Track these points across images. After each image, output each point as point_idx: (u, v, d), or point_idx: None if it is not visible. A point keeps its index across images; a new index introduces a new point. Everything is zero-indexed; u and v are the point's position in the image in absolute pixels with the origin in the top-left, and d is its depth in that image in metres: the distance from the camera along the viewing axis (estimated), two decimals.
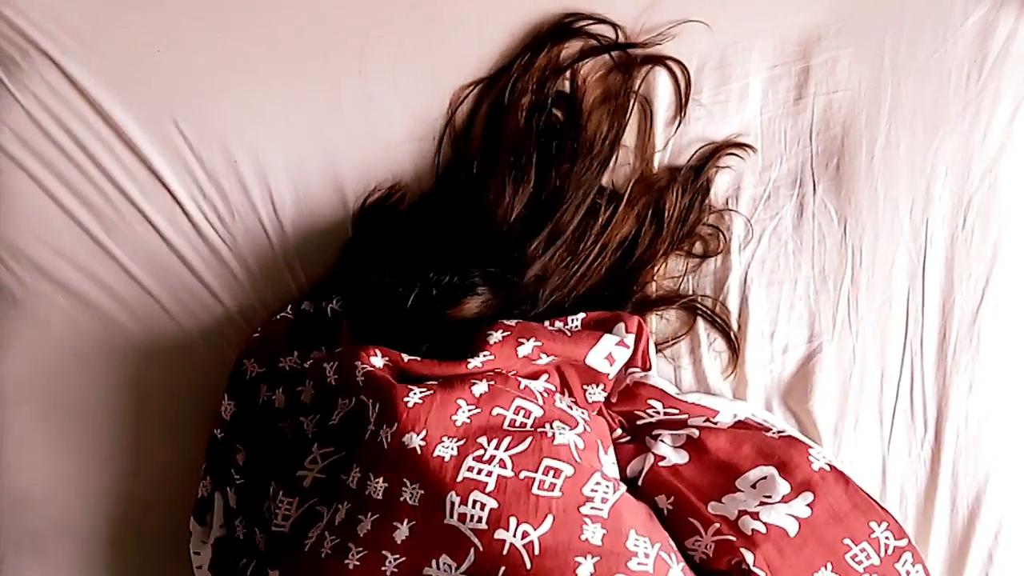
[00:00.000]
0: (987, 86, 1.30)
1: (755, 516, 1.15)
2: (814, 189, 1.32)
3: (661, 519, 1.18)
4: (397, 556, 1.03)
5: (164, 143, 1.31)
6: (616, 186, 1.32)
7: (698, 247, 1.33)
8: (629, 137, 1.33)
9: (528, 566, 1.00)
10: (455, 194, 1.30)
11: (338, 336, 1.24)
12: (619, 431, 1.26)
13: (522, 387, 1.13)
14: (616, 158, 1.31)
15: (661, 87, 1.33)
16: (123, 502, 1.33)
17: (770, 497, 1.17)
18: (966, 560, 1.27)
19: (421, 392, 1.08)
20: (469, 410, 1.08)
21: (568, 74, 1.31)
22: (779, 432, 1.25)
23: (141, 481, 1.33)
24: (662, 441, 1.24)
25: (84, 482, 1.32)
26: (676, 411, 1.24)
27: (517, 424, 1.09)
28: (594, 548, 1.02)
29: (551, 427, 1.09)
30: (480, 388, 1.10)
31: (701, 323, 1.32)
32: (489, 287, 1.20)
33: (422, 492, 1.04)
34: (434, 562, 1.02)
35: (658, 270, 1.31)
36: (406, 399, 1.07)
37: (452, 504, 1.02)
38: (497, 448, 1.06)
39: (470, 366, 1.12)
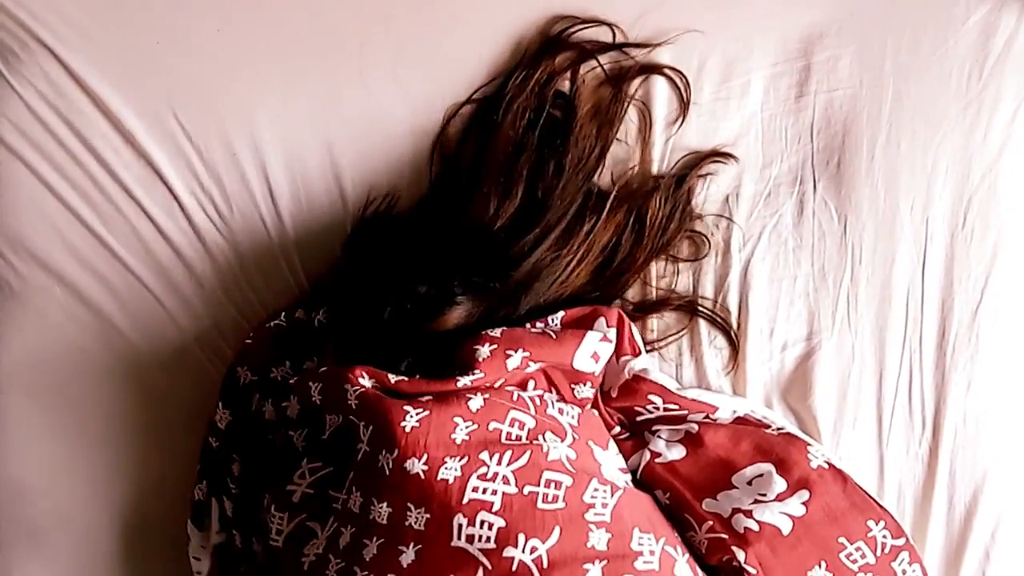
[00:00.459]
0: (988, 86, 1.30)
1: (748, 514, 1.16)
2: (814, 187, 1.32)
3: (663, 510, 1.18)
4: None
5: (163, 135, 1.31)
6: (610, 187, 1.32)
7: (688, 251, 1.33)
8: (630, 138, 1.33)
9: None
10: (443, 205, 1.30)
11: (326, 349, 1.24)
12: (617, 428, 1.26)
13: (515, 398, 1.13)
14: (602, 169, 1.31)
15: (660, 88, 1.33)
16: (122, 493, 1.33)
17: (765, 495, 1.18)
18: (963, 558, 1.27)
19: (418, 413, 1.07)
20: (467, 426, 1.08)
21: (569, 74, 1.31)
22: (778, 429, 1.25)
23: (140, 472, 1.33)
24: (659, 437, 1.24)
25: (83, 473, 1.32)
26: (676, 407, 1.24)
27: (513, 437, 1.09)
28: (600, 553, 1.03)
29: (544, 440, 1.09)
30: (476, 403, 1.10)
31: (702, 321, 1.32)
32: (470, 296, 1.19)
33: (428, 516, 1.03)
34: None
35: (638, 278, 1.31)
36: (403, 423, 1.06)
37: (459, 526, 1.02)
38: (499, 464, 1.06)
39: (460, 384, 1.11)
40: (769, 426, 1.26)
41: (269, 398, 1.23)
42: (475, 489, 1.04)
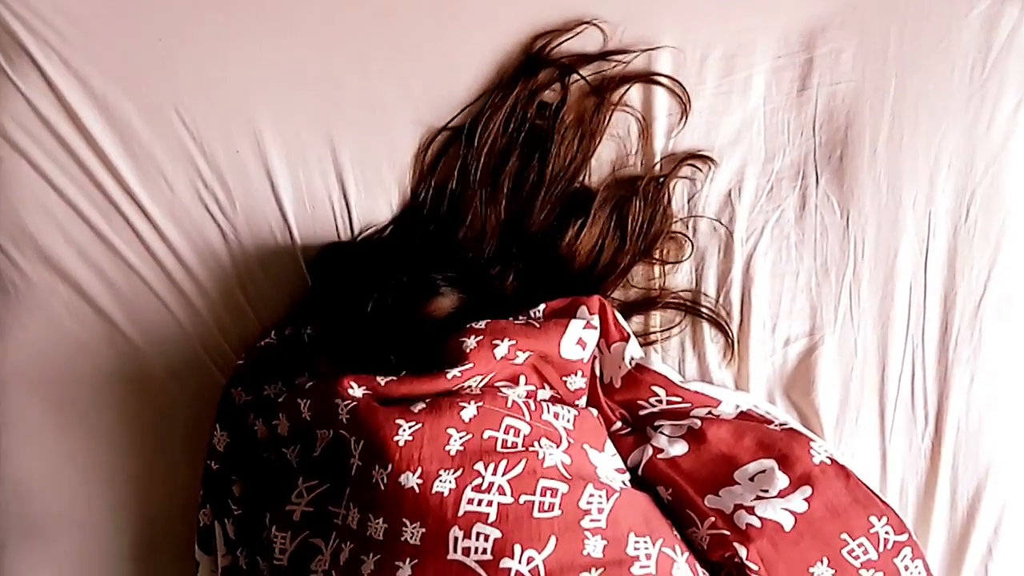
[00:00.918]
0: (991, 78, 1.29)
1: (750, 511, 1.16)
2: (817, 181, 1.31)
3: (664, 506, 1.18)
4: None
5: (165, 132, 1.32)
6: (598, 187, 1.33)
7: (673, 253, 1.33)
8: (632, 138, 1.33)
9: None
10: (424, 217, 1.32)
11: (316, 364, 1.25)
12: (619, 424, 1.26)
13: (509, 404, 1.13)
14: (586, 176, 1.33)
15: (660, 88, 1.33)
16: (126, 491, 1.33)
17: (767, 491, 1.17)
18: (966, 553, 1.27)
19: (410, 427, 1.07)
20: (461, 437, 1.08)
21: (557, 85, 1.33)
22: (781, 424, 1.25)
23: (143, 470, 1.33)
24: (662, 432, 1.24)
25: (86, 471, 1.33)
26: (679, 399, 1.24)
27: (509, 444, 1.09)
28: (597, 561, 1.03)
29: (539, 446, 1.09)
30: (469, 412, 1.10)
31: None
32: (453, 288, 1.21)
33: (423, 531, 1.03)
34: None
35: (622, 281, 1.32)
36: (396, 438, 1.07)
37: (455, 539, 1.02)
38: (494, 474, 1.06)
39: (449, 376, 1.12)
40: (772, 421, 1.26)
41: (261, 417, 1.24)
42: (470, 501, 1.04)
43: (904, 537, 1.18)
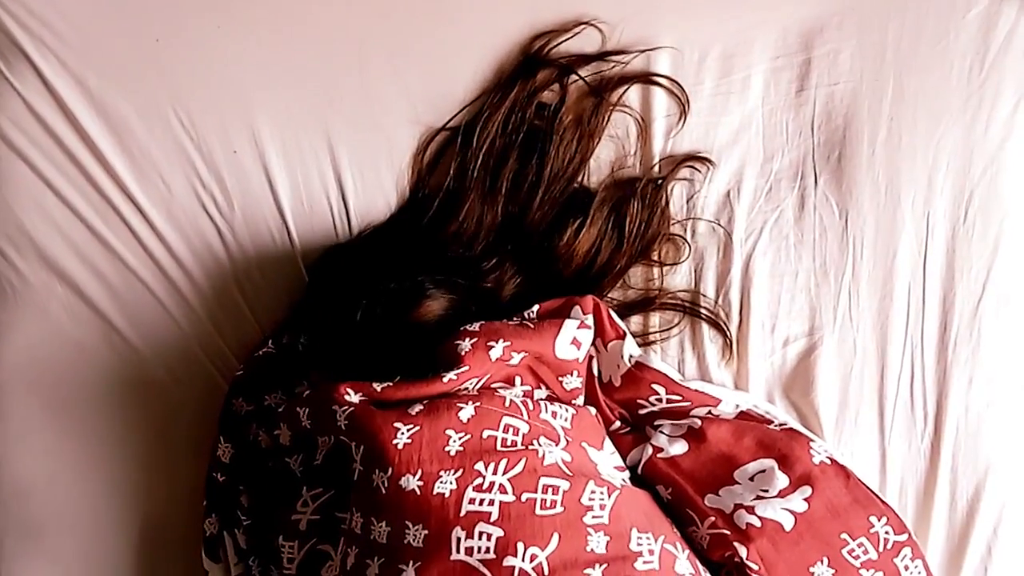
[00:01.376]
0: (989, 79, 1.29)
1: (751, 510, 1.15)
2: (815, 181, 1.32)
3: (664, 506, 1.18)
4: None
5: (163, 133, 1.31)
6: (597, 188, 1.33)
7: (671, 254, 1.33)
8: (631, 138, 1.33)
9: None
10: (419, 217, 1.32)
11: (311, 374, 1.25)
12: (617, 423, 1.26)
13: (507, 403, 1.12)
14: (585, 176, 1.33)
15: (659, 89, 1.33)
16: (124, 491, 1.33)
17: (767, 491, 1.17)
18: (965, 553, 1.27)
19: (409, 429, 1.07)
20: (460, 437, 1.08)
21: (556, 86, 1.33)
22: (780, 424, 1.25)
23: (143, 470, 1.33)
24: (661, 432, 1.24)
25: (85, 471, 1.32)
26: (679, 397, 1.24)
27: (508, 443, 1.09)
28: (600, 557, 1.03)
29: (539, 444, 1.09)
30: (467, 412, 1.10)
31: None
32: (443, 290, 1.20)
33: (426, 532, 1.03)
34: None
35: (618, 282, 1.32)
36: (395, 441, 1.07)
37: (458, 539, 1.02)
38: (495, 473, 1.06)
39: (445, 379, 1.11)
40: (771, 421, 1.26)
41: (263, 427, 1.23)
42: (472, 501, 1.04)
43: (904, 537, 1.18)
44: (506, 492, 1.05)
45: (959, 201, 1.30)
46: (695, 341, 1.32)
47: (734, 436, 1.23)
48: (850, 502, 1.18)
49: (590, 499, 1.06)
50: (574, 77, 1.32)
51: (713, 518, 1.16)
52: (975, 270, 1.29)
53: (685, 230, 1.33)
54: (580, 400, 1.23)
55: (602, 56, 1.33)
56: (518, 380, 1.18)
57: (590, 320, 1.23)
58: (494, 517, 1.03)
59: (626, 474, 1.19)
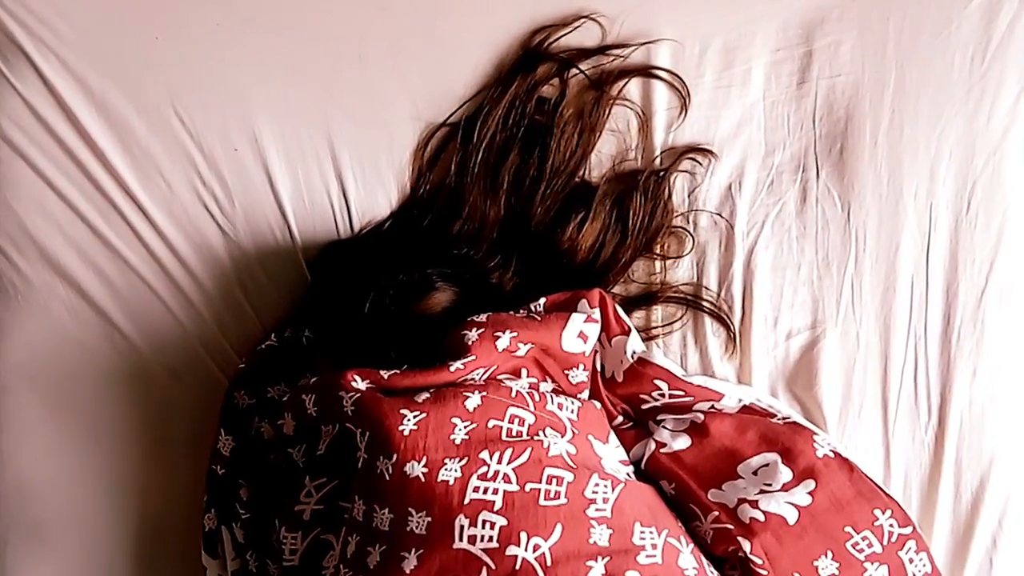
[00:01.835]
0: (991, 69, 1.29)
1: (754, 504, 1.15)
2: (817, 174, 1.31)
3: (667, 501, 1.18)
4: None
5: (163, 131, 1.31)
6: (599, 182, 1.33)
7: (675, 247, 1.33)
8: (632, 132, 1.33)
9: None
10: (422, 213, 1.32)
11: (317, 365, 1.25)
12: (620, 418, 1.26)
13: (513, 394, 1.13)
14: (586, 171, 1.33)
15: (660, 83, 1.33)
16: (126, 490, 1.33)
17: (770, 485, 1.17)
18: (970, 545, 1.27)
19: (415, 416, 1.07)
20: (466, 426, 1.08)
21: (556, 80, 1.33)
22: (784, 418, 1.25)
23: (144, 469, 1.33)
24: (664, 427, 1.24)
25: (87, 470, 1.33)
26: (682, 393, 1.24)
27: (514, 433, 1.09)
28: (603, 549, 1.02)
29: (544, 435, 1.09)
30: (473, 401, 1.10)
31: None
32: (449, 283, 1.20)
33: (429, 520, 1.03)
34: None
35: (623, 277, 1.32)
36: (400, 427, 1.07)
37: (461, 527, 1.02)
38: (500, 462, 1.06)
39: (452, 368, 1.12)
40: (775, 415, 1.26)
41: (266, 418, 1.23)
42: (476, 489, 1.04)
43: (908, 530, 1.17)
44: (510, 482, 1.05)
45: (962, 192, 1.29)
46: (698, 335, 1.32)
47: (737, 430, 1.23)
48: (854, 495, 1.18)
49: (594, 492, 1.06)
50: (574, 71, 1.32)
51: (717, 513, 1.16)
52: (978, 261, 1.29)
53: (688, 222, 1.33)
54: (585, 394, 1.23)
55: (602, 50, 1.32)
56: (524, 372, 1.18)
57: (597, 314, 1.23)
58: (498, 506, 1.03)
59: (630, 468, 1.19)
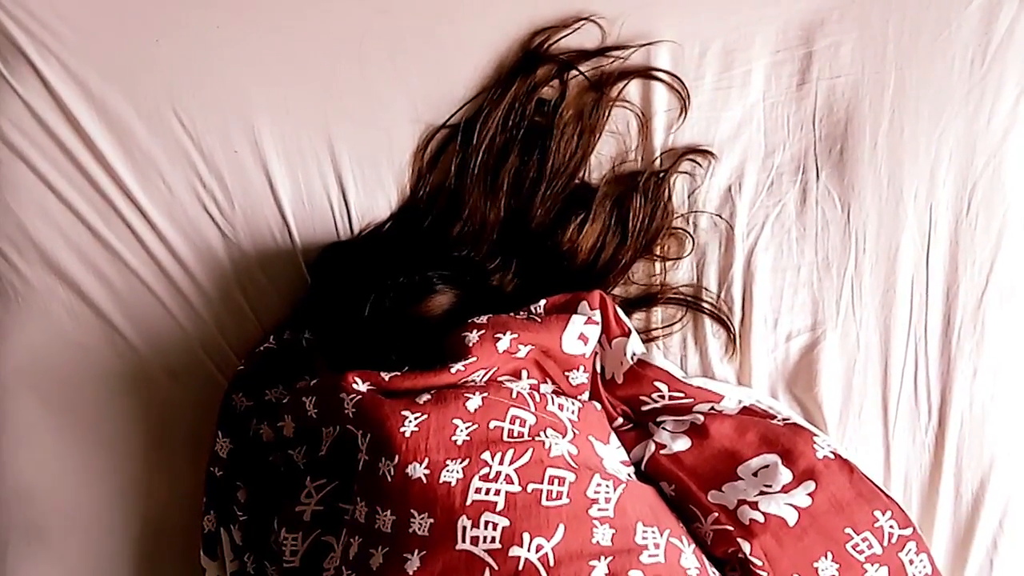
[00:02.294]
0: (991, 70, 1.29)
1: (754, 506, 1.15)
2: (817, 175, 1.31)
3: (668, 501, 1.18)
4: None
5: (163, 133, 1.31)
6: (599, 183, 1.33)
7: (674, 248, 1.33)
8: (632, 133, 1.33)
9: None
10: (421, 215, 1.32)
11: (316, 367, 1.24)
12: (620, 420, 1.26)
13: (514, 395, 1.13)
14: (586, 172, 1.33)
15: (660, 84, 1.33)
16: (127, 493, 1.33)
17: (770, 486, 1.17)
18: (970, 547, 1.27)
19: (416, 418, 1.07)
20: (467, 427, 1.08)
21: (555, 81, 1.33)
22: (784, 419, 1.25)
23: (144, 472, 1.33)
24: (664, 428, 1.24)
25: (88, 472, 1.33)
26: (681, 394, 1.24)
27: (515, 434, 1.09)
28: (606, 549, 1.02)
29: (545, 436, 1.09)
30: (474, 403, 1.10)
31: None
32: (449, 285, 1.21)
33: (431, 521, 1.03)
34: None
35: (623, 278, 1.32)
36: (402, 429, 1.07)
37: (464, 529, 1.02)
38: (501, 463, 1.06)
39: (453, 370, 1.12)
40: (775, 416, 1.26)
41: (265, 420, 1.23)
42: (478, 490, 1.04)
43: (908, 531, 1.17)
44: (512, 482, 1.05)
45: (962, 193, 1.29)
46: (698, 336, 1.32)
47: (737, 432, 1.23)
48: (854, 496, 1.18)
49: (596, 492, 1.06)
50: (574, 73, 1.32)
51: (716, 514, 1.16)
52: (978, 262, 1.29)
53: (688, 224, 1.33)
54: (586, 396, 1.23)
55: (602, 51, 1.32)
56: (524, 374, 1.18)
57: (597, 316, 1.23)
58: (500, 507, 1.03)
59: (631, 469, 1.20)
